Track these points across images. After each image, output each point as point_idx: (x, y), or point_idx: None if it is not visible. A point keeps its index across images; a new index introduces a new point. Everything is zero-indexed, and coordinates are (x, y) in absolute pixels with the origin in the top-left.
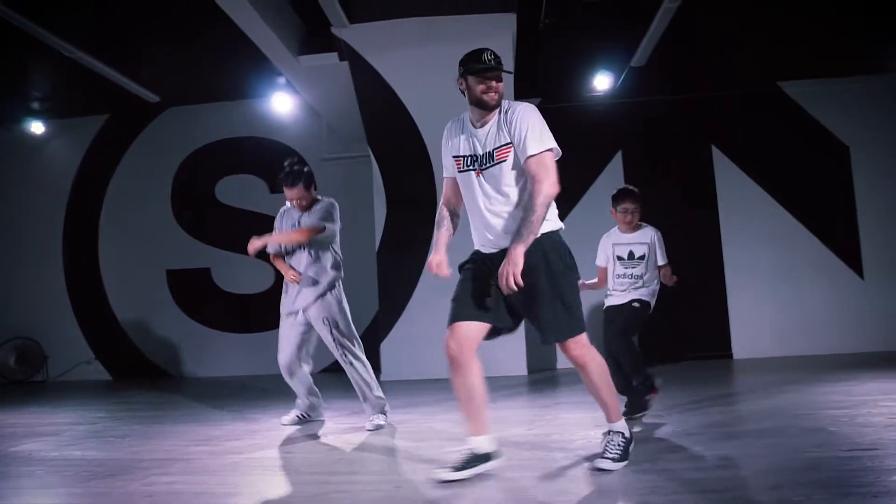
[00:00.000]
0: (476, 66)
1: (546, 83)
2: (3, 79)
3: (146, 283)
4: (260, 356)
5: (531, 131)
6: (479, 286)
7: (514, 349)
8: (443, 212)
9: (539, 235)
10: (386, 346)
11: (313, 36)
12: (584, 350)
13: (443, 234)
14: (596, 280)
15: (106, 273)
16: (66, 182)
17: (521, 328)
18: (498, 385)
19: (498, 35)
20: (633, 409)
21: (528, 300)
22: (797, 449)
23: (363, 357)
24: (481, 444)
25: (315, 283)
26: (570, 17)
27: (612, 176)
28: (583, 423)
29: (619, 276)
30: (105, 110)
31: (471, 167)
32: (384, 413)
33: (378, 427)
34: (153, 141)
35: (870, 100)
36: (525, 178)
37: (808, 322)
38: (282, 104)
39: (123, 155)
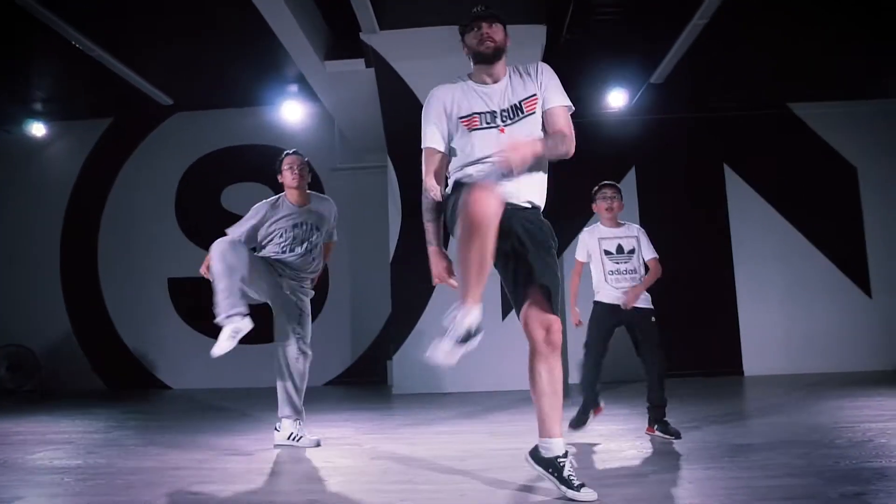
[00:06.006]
0: (464, 21)
1: None
2: (5, 76)
3: (147, 291)
4: (265, 368)
5: (557, 83)
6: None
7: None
8: (435, 192)
9: (530, 207)
10: (397, 359)
11: (338, 42)
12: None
13: (438, 223)
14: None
15: (105, 280)
16: (67, 186)
17: None
18: (516, 398)
19: (526, 46)
20: (580, 423)
21: (527, 261)
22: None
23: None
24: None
25: (303, 281)
26: (593, 33)
27: (626, 192)
28: (613, 435)
29: (612, 273)
30: (109, 113)
31: (491, 124)
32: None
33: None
34: (158, 146)
35: (876, 123)
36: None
37: (818, 339)
38: (292, 112)
39: (127, 160)
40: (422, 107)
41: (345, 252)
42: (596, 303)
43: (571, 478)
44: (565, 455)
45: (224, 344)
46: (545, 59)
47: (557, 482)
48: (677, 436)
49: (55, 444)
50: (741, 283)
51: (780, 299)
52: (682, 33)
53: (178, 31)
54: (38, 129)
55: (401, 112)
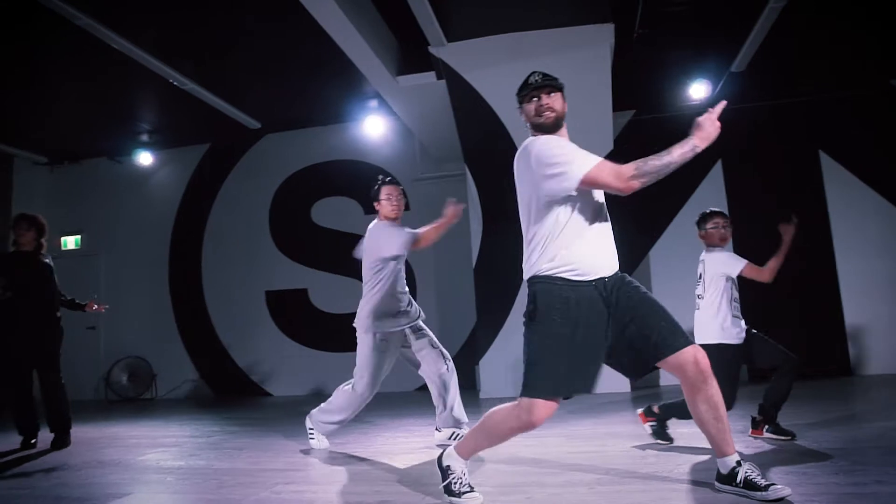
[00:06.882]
0: (522, 90)
1: (640, 95)
2: (117, 112)
3: (246, 304)
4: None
5: None
6: (592, 343)
7: None
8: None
9: (608, 278)
10: (484, 364)
11: (408, 56)
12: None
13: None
14: None
15: (209, 295)
16: (172, 208)
17: None
18: (603, 401)
19: (595, 47)
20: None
21: (641, 319)
22: None
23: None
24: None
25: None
26: (666, 25)
27: (713, 186)
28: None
29: (735, 301)
30: (206, 140)
31: None
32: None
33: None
34: (251, 167)
35: None
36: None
37: None
38: (374, 127)
39: (224, 181)
40: (495, 114)
41: (429, 260)
42: (723, 347)
43: (755, 481)
44: (739, 464)
45: (323, 444)
46: (616, 57)
47: (745, 490)
48: (792, 436)
49: (164, 447)
50: (844, 276)
51: (889, 292)
52: (759, 19)
53: (261, 61)
54: (145, 158)
55: (474, 121)
